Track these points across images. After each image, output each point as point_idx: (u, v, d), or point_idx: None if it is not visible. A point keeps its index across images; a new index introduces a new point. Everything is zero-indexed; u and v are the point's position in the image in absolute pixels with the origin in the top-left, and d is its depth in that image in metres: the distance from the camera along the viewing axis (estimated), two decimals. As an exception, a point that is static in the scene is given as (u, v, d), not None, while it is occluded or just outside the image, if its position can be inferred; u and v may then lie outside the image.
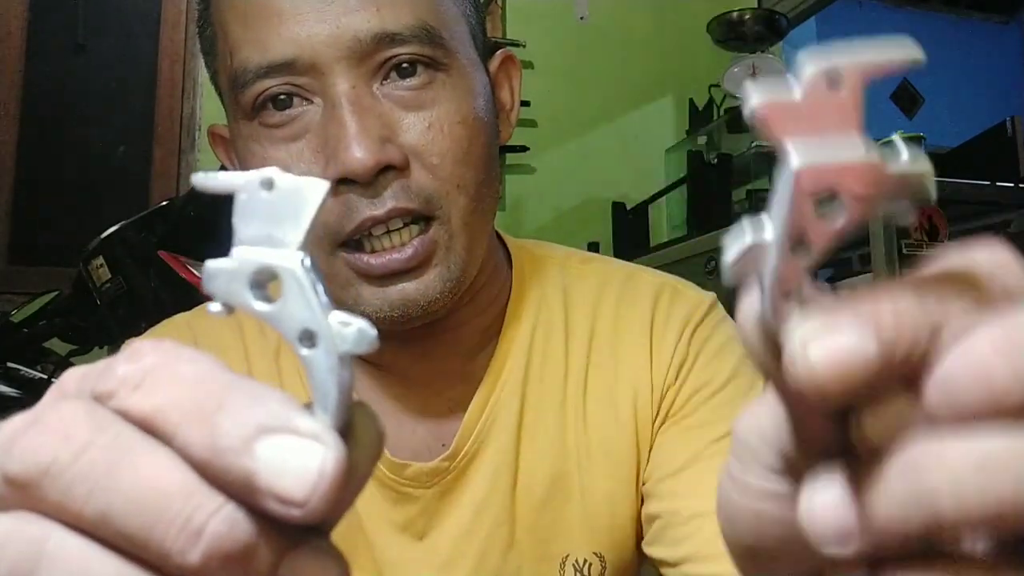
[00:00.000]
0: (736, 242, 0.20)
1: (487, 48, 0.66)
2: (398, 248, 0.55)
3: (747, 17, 2.67)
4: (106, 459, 0.19)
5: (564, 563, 0.64)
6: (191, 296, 1.39)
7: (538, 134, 2.80)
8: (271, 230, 0.21)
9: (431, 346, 0.63)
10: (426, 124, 0.56)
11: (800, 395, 0.19)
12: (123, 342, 0.69)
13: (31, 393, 1.64)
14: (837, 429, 0.20)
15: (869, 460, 0.20)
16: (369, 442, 0.21)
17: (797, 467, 0.23)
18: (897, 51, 0.20)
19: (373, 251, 0.55)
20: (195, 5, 0.65)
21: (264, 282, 0.21)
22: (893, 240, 1.72)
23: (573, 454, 0.65)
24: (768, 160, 2.84)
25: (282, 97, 0.56)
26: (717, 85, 2.75)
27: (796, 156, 0.19)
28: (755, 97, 0.19)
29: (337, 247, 0.56)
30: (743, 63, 2.67)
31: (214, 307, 0.21)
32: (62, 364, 1.68)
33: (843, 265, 2.41)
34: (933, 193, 0.20)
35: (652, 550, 0.63)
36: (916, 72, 4.19)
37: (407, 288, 0.56)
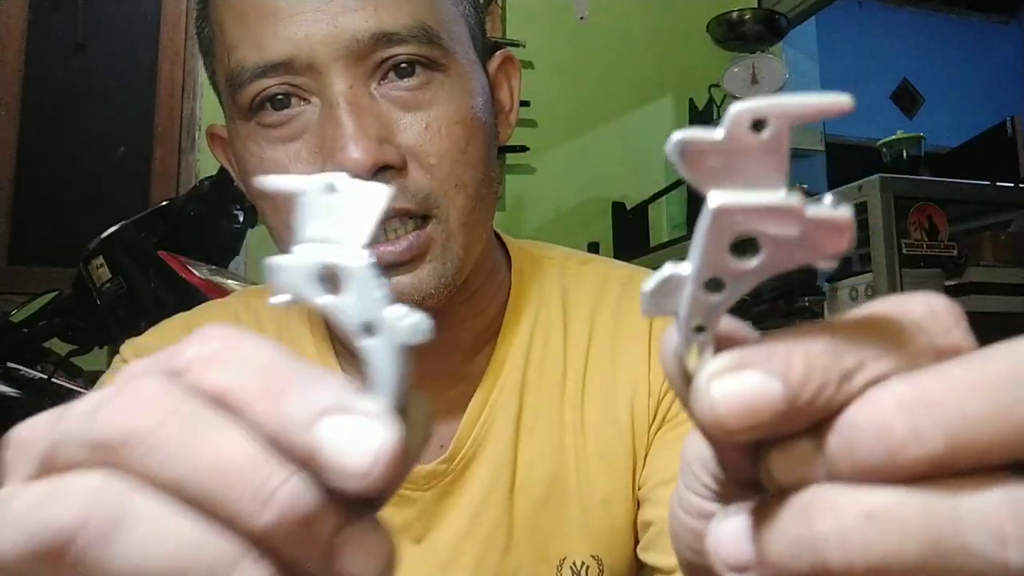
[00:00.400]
0: (656, 275, 0.21)
1: (486, 48, 0.66)
2: (392, 241, 0.54)
3: (747, 17, 2.67)
4: (185, 428, 0.20)
5: (562, 565, 0.64)
6: (191, 296, 1.39)
7: (538, 134, 2.80)
8: (332, 230, 0.22)
9: (428, 346, 0.62)
10: (424, 124, 0.56)
11: (706, 430, 0.20)
12: (123, 342, 0.69)
13: (31, 393, 1.64)
14: (751, 464, 0.21)
15: (773, 497, 0.20)
16: (421, 424, 0.22)
17: (726, 493, 0.24)
18: (827, 99, 0.19)
19: None
20: (194, 5, 0.65)
21: (327, 277, 0.22)
22: (893, 240, 1.72)
23: (571, 456, 0.65)
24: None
25: (279, 97, 0.55)
26: (717, 85, 2.75)
27: (714, 196, 0.19)
28: (677, 135, 0.20)
29: None
30: (743, 63, 2.67)
31: (278, 299, 0.22)
32: (62, 364, 1.68)
33: (843, 265, 2.41)
34: (851, 243, 0.20)
35: (647, 556, 0.63)
36: (916, 72, 4.17)
37: (401, 281, 0.55)
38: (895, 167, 2.15)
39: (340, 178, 0.22)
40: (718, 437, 0.20)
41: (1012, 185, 2.01)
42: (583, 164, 2.87)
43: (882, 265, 1.71)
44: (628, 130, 2.95)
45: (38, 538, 0.19)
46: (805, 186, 2.64)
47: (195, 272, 1.46)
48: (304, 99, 0.56)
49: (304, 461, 0.20)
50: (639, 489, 0.65)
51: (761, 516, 0.20)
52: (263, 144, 0.57)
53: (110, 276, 1.52)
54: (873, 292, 1.78)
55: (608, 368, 0.67)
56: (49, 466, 0.21)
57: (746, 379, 0.19)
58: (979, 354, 0.19)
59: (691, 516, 0.26)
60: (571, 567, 0.64)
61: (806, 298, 2.22)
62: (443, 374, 0.65)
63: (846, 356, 0.19)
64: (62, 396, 1.67)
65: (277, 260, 0.22)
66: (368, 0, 0.54)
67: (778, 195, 0.19)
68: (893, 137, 2.22)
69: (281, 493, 0.20)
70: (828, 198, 0.20)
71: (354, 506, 0.21)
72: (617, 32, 2.99)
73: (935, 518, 0.18)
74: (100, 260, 1.53)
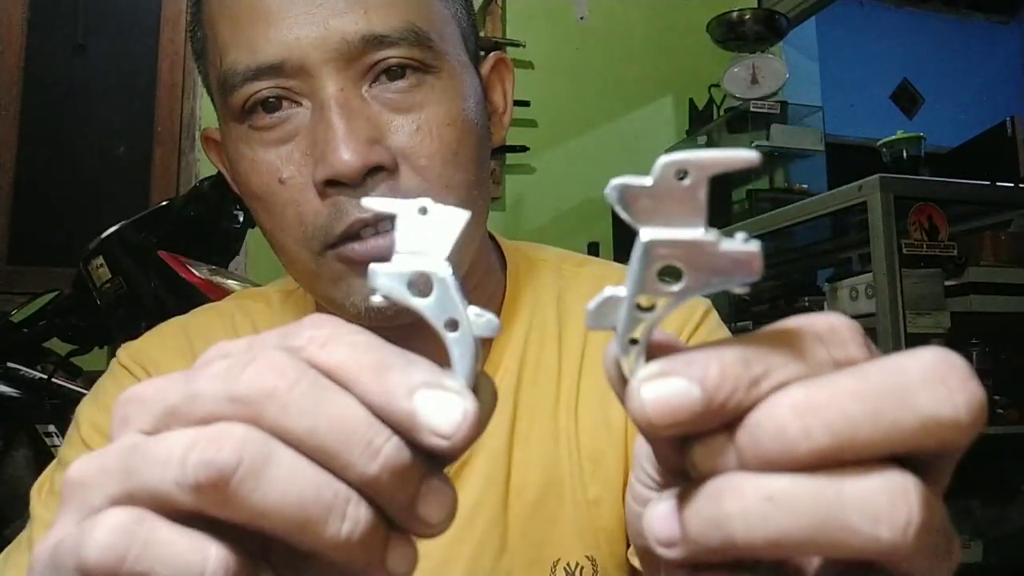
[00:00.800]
0: (597, 296, 0.25)
1: (479, 50, 0.66)
2: (382, 235, 0.54)
3: (747, 17, 2.67)
4: (312, 391, 0.24)
5: (555, 567, 0.64)
6: (191, 296, 1.39)
7: (538, 134, 2.80)
8: (423, 244, 0.27)
9: (421, 347, 0.63)
10: (415, 126, 0.55)
11: (638, 426, 0.24)
12: (123, 342, 0.69)
13: (31, 393, 1.64)
14: (680, 457, 0.24)
15: (695, 483, 0.24)
16: (488, 401, 0.27)
17: (666, 483, 0.28)
18: (737, 155, 0.23)
19: (360, 239, 0.56)
20: (188, 8, 0.65)
21: (418, 283, 0.27)
22: (893, 240, 1.72)
23: (565, 459, 0.65)
24: (768, 161, 2.84)
25: (271, 100, 0.55)
26: (717, 85, 2.76)
27: (645, 232, 0.24)
28: (615, 181, 0.24)
29: (325, 248, 0.56)
30: (743, 63, 2.67)
31: (377, 299, 0.27)
32: (62, 364, 1.68)
33: (843, 265, 2.41)
34: (758, 271, 0.24)
35: (639, 561, 0.63)
36: (916, 72, 4.16)
37: None
38: (895, 167, 2.15)
39: (429, 202, 0.27)
40: (649, 432, 0.24)
41: (1012, 185, 2.01)
42: (583, 164, 2.87)
43: (882, 265, 1.71)
44: (628, 130, 2.95)
45: (204, 474, 0.23)
46: (805, 186, 2.64)
47: (195, 272, 1.46)
48: (295, 102, 0.56)
49: (402, 425, 0.24)
50: None
51: (684, 499, 0.24)
52: (255, 147, 0.57)
53: (110, 276, 1.51)
54: (873, 292, 1.78)
55: (602, 372, 0.66)
56: (175, 419, 0.25)
57: (670, 384, 0.23)
58: (865, 366, 0.23)
59: (639, 504, 0.30)
60: (565, 568, 0.64)
61: (806, 298, 2.22)
62: None
63: (755, 365, 0.23)
64: (62, 396, 1.67)
65: (377, 267, 0.27)
66: (358, 3, 0.54)
67: (698, 232, 0.23)
68: (893, 137, 2.22)
69: (387, 448, 0.24)
70: (740, 235, 0.24)
71: (431, 464, 0.26)
72: (617, 32, 2.99)
73: (823, 500, 0.21)
74: (100, 260, 1.53)
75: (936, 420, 0.22)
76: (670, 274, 0.24)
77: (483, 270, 0.67)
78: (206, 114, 2.55)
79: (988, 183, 1.97)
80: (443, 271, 0.27)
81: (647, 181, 0.24)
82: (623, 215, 0.24)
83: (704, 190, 0.23)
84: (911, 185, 1.88)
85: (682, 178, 0.23)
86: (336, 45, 0.54)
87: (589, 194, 2.85)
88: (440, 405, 0.24)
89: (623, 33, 3.00)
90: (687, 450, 0.24)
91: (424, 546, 0.70)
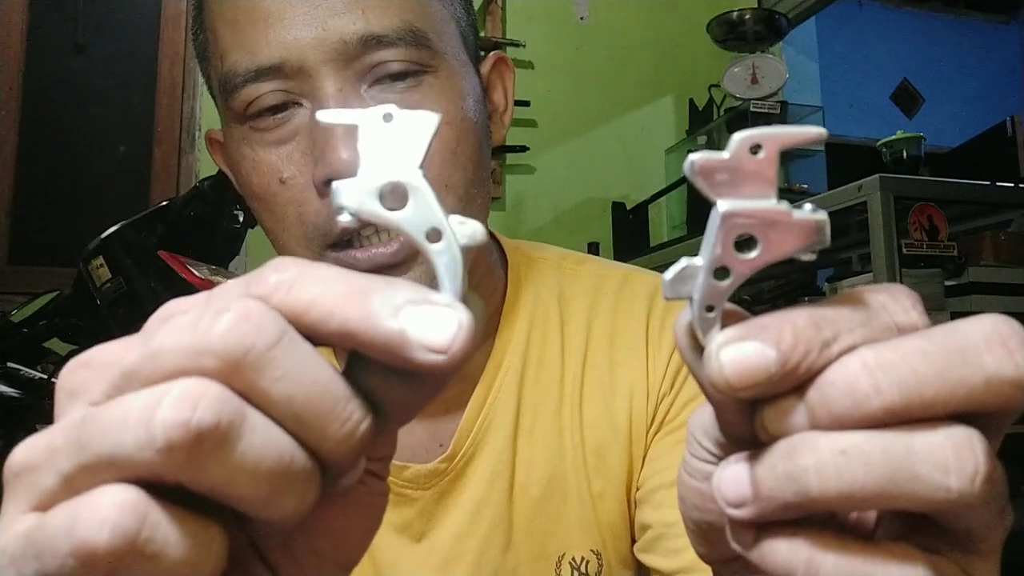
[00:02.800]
0: (673, 266, 0.26)
1: (479, 49, 0.66)
2: (384, 243, 0.55)
3: (747, 17, 2.67)
4: (290, 353, 0.23)
5: (561, 561, 0.64)
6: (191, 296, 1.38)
7: (538, 134, 2.80)
8: (390, 154, 0.25)
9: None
10: None
11: (715, 390, 0.24)
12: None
13: (31, 393, 1.64)
14: (748, 422, 0.25)
15: (766, 446, 0.25)
16: (478, 316, 0.25)
17: (726, 452, 0.28)
18: (808, 130, 0.25)
19: (361, 247, 0.56)
20: (191, 11, 0.65)
21: (390, 194, 0.25)
22: (893, 240, 1.72)
23: (569, 455, 0.65)
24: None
25: (271, 101, 0.56)
26: (717, 85, 2.75)
27: (722, 202, 0.25)
28: (693, 156, 0.25)
29: (326, 248, 0.56)
30: (743, 63, 2.67)
31: (344, 218, 0.25)
32: (62, 364, 1.67)
33: (843, 265, 2.41)
34: (827, 239, 0.25)
35: (646, 558, 0.63)
36: (916, 72, 4.16)
37: None
38: (895, 167, 2.15)
39: (393, 108, 0.25)
40: (725, 394, 0.24)
41: (1012, 185, 2.00)
42: (583, 164, 2.87)
43: (882, 265, 1.71)
44: (628, 130, 2.95)
45: (177, 434, 0.21)
46: (805, 186, 2.64)
47: (195, 272, 1.46)
48: (295, 102, 0.56)
49: (390, 346, 0.23)
50: (636, 491, 0.65)
51: (756, 459, 0.25)
52: (256, 147, 0.57)
53: (110, 276, 1.51)
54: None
55: (605, 368, 0.67)
56: (133, 383, 0.23)
57: (747, 347, 0.24)
58: (928, 330, 0.24)
59: (696, 479, 0.30)
60: (570, 563, 0.64)
61: (806, 298, 2.22)
62: None
63: (826, 329, 0.24)
64: (62, 396, 1.67)
65: (340, 183, 0.25)
66: (356, 3, 0.55)
67: (771, 202, 0.25)
68: (893, 137, 2.22)
69: (361, 428, 0.23)
70: (808, 205, 0.25)
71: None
72: (617, 32, 2.99)
73: (893, 452, 0.22)
74: (100, 260, 1.53)
75: (999, 378, 0.23)
76: (745, 243, 0.25)
77: (484, 269, 0.67)
78: (206, 114, 2.55)
79: (988, 183, 1.97)
80: (416, 178, 0.25)
81: (723, 155, 0.25)
82: (699, 188, 0.25)
83: (776, 164, 0.25)
84: (911, 185, 1.87)
85: (755, 152, 0.25)
86: (335, 45, 0.54)
87: (589, 194, 2.85)
88: (431, 319, 0.23)
89: (623, 33, 2.99)
90: (757, 414, 0.25)
91: (429, 541, 0.70)
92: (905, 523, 0.26)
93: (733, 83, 2.67)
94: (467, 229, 0.25)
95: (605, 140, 2.92)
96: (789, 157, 2.88)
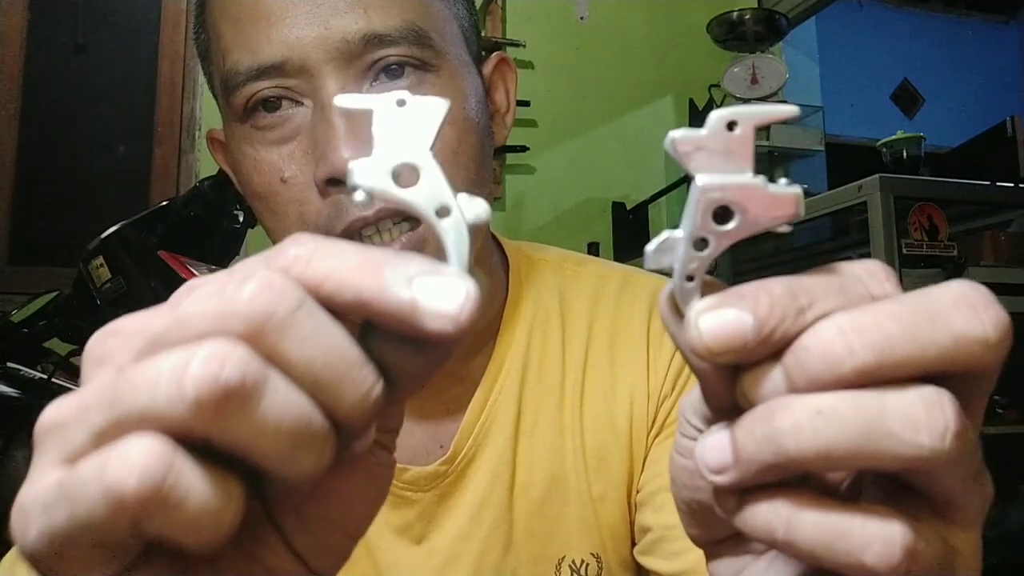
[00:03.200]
0: (656, 238, 0.27)
1: (481, 49, 0.66)
2: (387, 242, 0.55)
3: (747, 17, 2.67)
4: (311, 319, 0.24)
5: (560, 564, 0.64)
6: (191, 296, 1.38)
7: (538, 134, 2.80)
8: (402, 137, 0.27)
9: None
10: None
11: (695, 355, 0.26)
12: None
13: (31, 393, 1.64)
14: (731, 391, 0.26)
15: (745, 411, 0.25)
16: (482, 287, 0.26)
17: (711, 426, 0.28)
18: (780, 108, 0.27)
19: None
20: (193, 9, 0.65)
21: (402, 173, 0.27)
22: (893, 240, 1.72)
23: (570, 456, 0.65)
24: (768, 161, 2.84)
25: (273, 100, 0.56)
26: (717, 85, 2.75)
27: (700, 177, 0.26)
28: (673, 133, 0.26)
29: None
30: (743, 63, 2.67)
31: (360, 196, 0.27)
32: (62, 364, 1.67)
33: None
34: (801, 211, 0.26)
35: (647, 560, 0.63)
36: (916, 72, 4.15)
37: None
38: (895, 167, 2.15)
39: (406, 94, 0.27)
40: (705, 360, 0.25)
41: (1012, 185, 2.01)
42: (583, 164, 2.87)
43: (882, 265, 1.71)
44: (628, 130, 2.95)
45: (207, 389, 0.22)
46: (805, 186, 2.64)
47: (195, 272, 1.46)
48: (297, 101, 0.56)
49: (403, 314, 0.24)
50: (636, 493, 0.65)
51: (735, 426, 0.25)
52: (257, 146, 0.57)
53: (110, 276, 1.51)
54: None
55: (606, 370, 0.67)
56: (161, 348, 0.23)
57: (726, 314, 0.25)
58: (900, 296, 0.25)
59: (685, 457, 0.31)
60: (570, 565, 0.64)
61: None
62: (442, 374, 0.65)
63: (801, 296, 0.25)
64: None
65: (356, 162, 0.27)
66: (358, 2, 0.55)
67: (747, 176, 0.26)
68: (893, 137, 2.22)
69: (375, 393, 0.25)
70: (783, 180, 0.26)
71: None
72: (617, 32, 2.99)
73: (867, 411, 0.23)
74: (100, 260, 1.53)
75: (967, 337, 0.24)
76: (723, 216, 0.26)
77: (485, 270, 0.67)
78: (206, 114, 2.55)
79: (988, 183, 1.97)
80: (427, 160, 0.27)
81: (701, 132, 0.26)
82: (679, 162, 0.26)
83: (751, 140, 0.26)
84: (911, 185, 1.88)
85: (732, 129, 0.26)
86: (337, 44, 0.54)
87: (589, 194, 2.85)
88: (441, 289, 0.24)
89: (623, 33, 2.99)
90: (737, 381, 0.26)
91: (430, 543, 0.70)
92: (886, 490, 0.27)
93: (733, 83, 2.67)
94: (474, 206, 0.27)
95: (605, 140, 2.92)
96: (789, 157, 2.88)
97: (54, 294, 1.69)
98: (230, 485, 0.23)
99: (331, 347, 0.24)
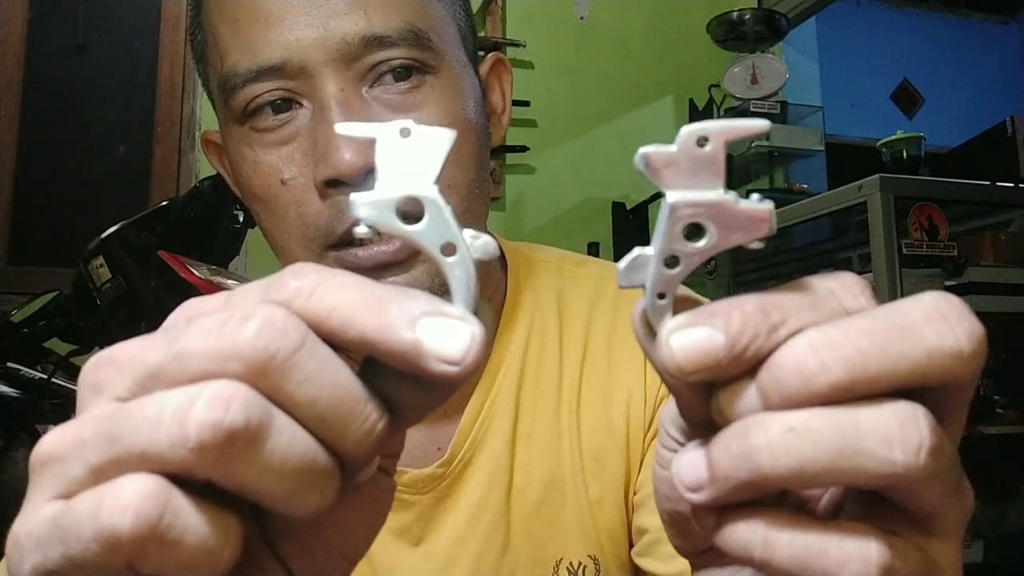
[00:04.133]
0: (627, 255, 0.26)
1: (478, 50, 0.66)
2: (386, 241, 0.55)
3: (747, 17, 2.67)
4: (314, 357, 0.24)
5: (558, 566, 0.64)
6: (191, 296, 1.38)
7: (538, 134, 2.80)
8: (407, 168, 0.26)
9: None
10: None
11: (667, 375, 0.25)
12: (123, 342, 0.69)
13: (31, 393, 1.64)
14: (706, 407, 0.26)
15: (721, 429, 0.25)
16: (489, 326, 0.26)
17: (689, 441, 0.28)
18: (751, 123, 0.26)
19: (362, 245, 0.56)
20: (188, 10, 0.65)
21: (407, 209, 0.26)
22: (893, 240, 1.72)
23: (567, 459, 0.65)
24: (768, 161, 2.84)
25: (272, 101, 0.56)
26: (717, 85, 2.76)
27: (670, 194, 0.26)
28: (642, 149, 0.26)
29: (327, 249, 0.56)
30: (743, 63, 2.67)
31: (361, 230, 0.26)
32: (62, 364, 1.67)
33: (843, 265, 2.41)
34: (774, 227, 0.26)
35: (644, 562, 0.63)
36: (916, 72, 4.15)
37: (396, 281, 0.55)
38: (895, 167, 2.15)
39: (411, 123, 0.26)
40: (677, 379, 0.25)
41: (1012, 185, 2.01)
42: (583, 164, 2.87)
43: (882, 265, 1.71)
44: (628, 130, 2.95)
45: (210, 434, 0.21)
46: (805, 186, 2.64)
47: (195, 272, 1.46)
48: (296, 103, 0.56)
49: (407, 357, 0.24)
50: (634, 495, 0.65)
51: (711, 444, 0.25)
52: (256, 148, 0.57)
53: (110, 276, 1.51)
54: (873, 292, 1.78)
55: (604, 372, 0.67)
56: (159, 382, 0.23)
57: (697, 332, 0.25)
58: (872, 310, 0.25)
59: (665, 469, 0.31)
60: (568, 567, 0.64)
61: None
62: None
63: (773, 313, 0.25)
64: (62, 396, 1.67)
65: (358, 195, 0.26)
66: (358, 3, 0.55)
67: (717, 193, 0.25)
68: (893, 137, 2.22)
69: (379, 428, 0.24)
70: (755, 196, 0.26)
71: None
72: (617, 32, 2.99)
73: (841, 428, 0.23)
74: (100, 260, 1.53)
75: (940, 350, 0.23)
76: (695, 233, 0.26)
77: (484, 271, 0.67)
78: (206, 114, 2.55)
79: (988, 183, 1.97)
80: (432, 193, 0.26)
81: (671, 148, 0.25)
82: (651, 180, 0.26)
83: (722, 155, 0.25)
84: (911, 185, 1.88)
85: (702, 145, 0.25)
86: (336, 46, 0.54)
87: (589, 194, 2.85)
88: (445, 332, 0.24)
89: (623, 33, 2.99)
90: (713, 399, 0.25)
91: (427, 545, 0.70)
92: (866, 505, 0.27)
93: (733, 83, 2.67)
94: (480, 243, 0.26)
95: (605, 140, 2.92)
96: (788, 157, 2.88)
97: (54, 294, 1.69)
98: (228, 522, 0.23)
99: (335, 384, 0.24)
